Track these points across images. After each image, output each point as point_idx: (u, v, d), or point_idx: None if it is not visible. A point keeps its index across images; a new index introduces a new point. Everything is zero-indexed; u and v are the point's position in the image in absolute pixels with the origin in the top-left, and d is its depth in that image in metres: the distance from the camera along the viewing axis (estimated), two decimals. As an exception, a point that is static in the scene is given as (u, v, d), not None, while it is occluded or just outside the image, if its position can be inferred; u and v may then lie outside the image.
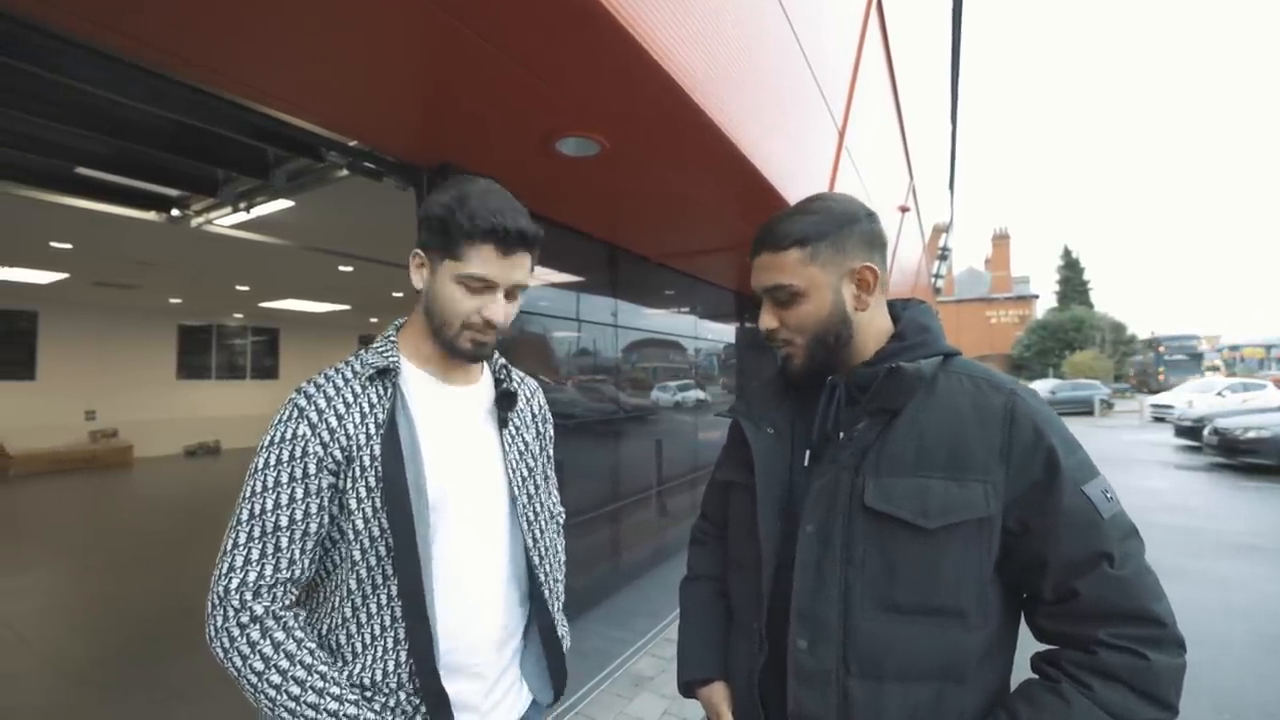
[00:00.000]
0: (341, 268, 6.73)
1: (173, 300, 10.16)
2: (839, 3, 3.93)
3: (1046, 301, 56.77)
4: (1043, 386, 25.33)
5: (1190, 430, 12.01)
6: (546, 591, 1.13)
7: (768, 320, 0.99)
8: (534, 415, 1.24)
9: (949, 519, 0.83)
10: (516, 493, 1.10)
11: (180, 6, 1.56)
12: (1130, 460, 10.98)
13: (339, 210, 4.11)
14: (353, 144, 2.54)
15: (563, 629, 1.19)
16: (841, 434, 0.94)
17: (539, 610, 1.13)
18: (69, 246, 5.96)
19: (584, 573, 4.00)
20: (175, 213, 4.12)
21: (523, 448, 1.16)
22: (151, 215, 4.13)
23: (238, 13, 1.60)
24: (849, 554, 0.87)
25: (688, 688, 1.11)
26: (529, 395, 1.25)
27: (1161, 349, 36.49)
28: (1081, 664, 0.79)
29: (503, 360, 1.21)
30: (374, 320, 12.59)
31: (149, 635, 3.61)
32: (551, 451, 1.29)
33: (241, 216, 3.95)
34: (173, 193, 3.92)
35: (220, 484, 8.90)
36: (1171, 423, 13.65)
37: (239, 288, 8.79)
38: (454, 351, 1.04)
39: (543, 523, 1.16)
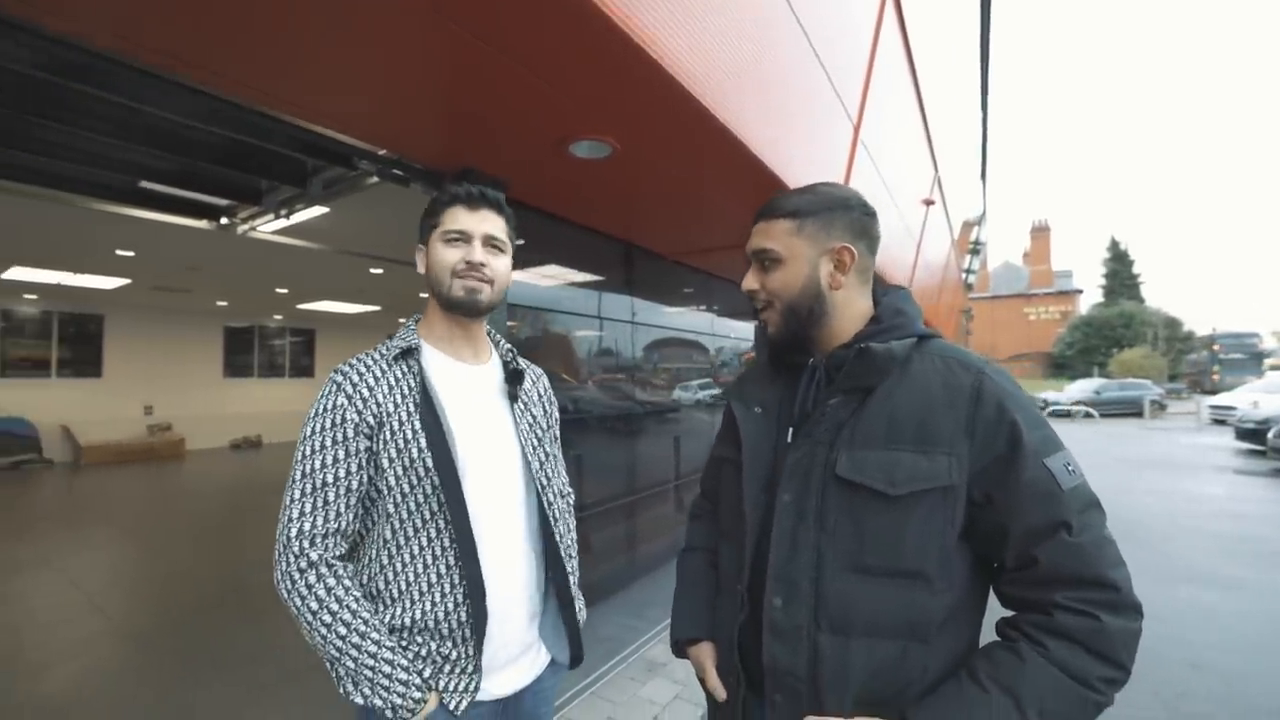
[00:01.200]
0: (372, 270, 7.04)
1: (219, 303, 10.74)
2: (852, 3, 3.99)
3: (1092, 297, 54.83)
4: (1086, 386, 24.18)
5: (1253, 433, 11.23)
6: (563, 552, 1.26)
7: (750, 281, 1.09)
8: (540, 396, 1.38)
9: (914, 487, 0.89)
10: (530, 458, 1.24)
11: (232, 37, 1.77)
12: (1183, 464, 10.39)
13: (369, 215, 4.35)
14: (382, 153, 2.74)
15: (579, 599, 1.31)
16: (815, 409, 1.02)
17: (556, 573, 1.25)
18: (132, 254, 6.41)
19: (602, 564, 4.16)
20: (224, 220, 4.44)
21: (531, 420, 1.30)
22: (203, 223, 4.46)
23: (280, 41, 1.80)
24: (822, 521, 0.94)
25: (678, 646, 1.20)
26: (534, 378, 1.39)
27: (1217, 347, 34.90)
28: (1039, 625, 0.84)
29: (509, 345, 1.37)
30: (402, 320, 13.01)
31: (205, 605, 3.94)
32: (557, 432, 1.42)
33: (282, 223, 4.24)
34: (222, 202, 4.23)
35: (262, 475, 9.39)
36: (1233, 425, 12.77)
37: (279, 290, 9.25)
38: (453, 305, 1.19)
39: (555, 488, 1.29)
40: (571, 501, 1.41)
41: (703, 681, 1.13)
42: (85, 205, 3.95)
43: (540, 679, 1.25)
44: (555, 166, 2.85)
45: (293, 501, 1.07)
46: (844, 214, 1.04)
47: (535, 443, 1.28)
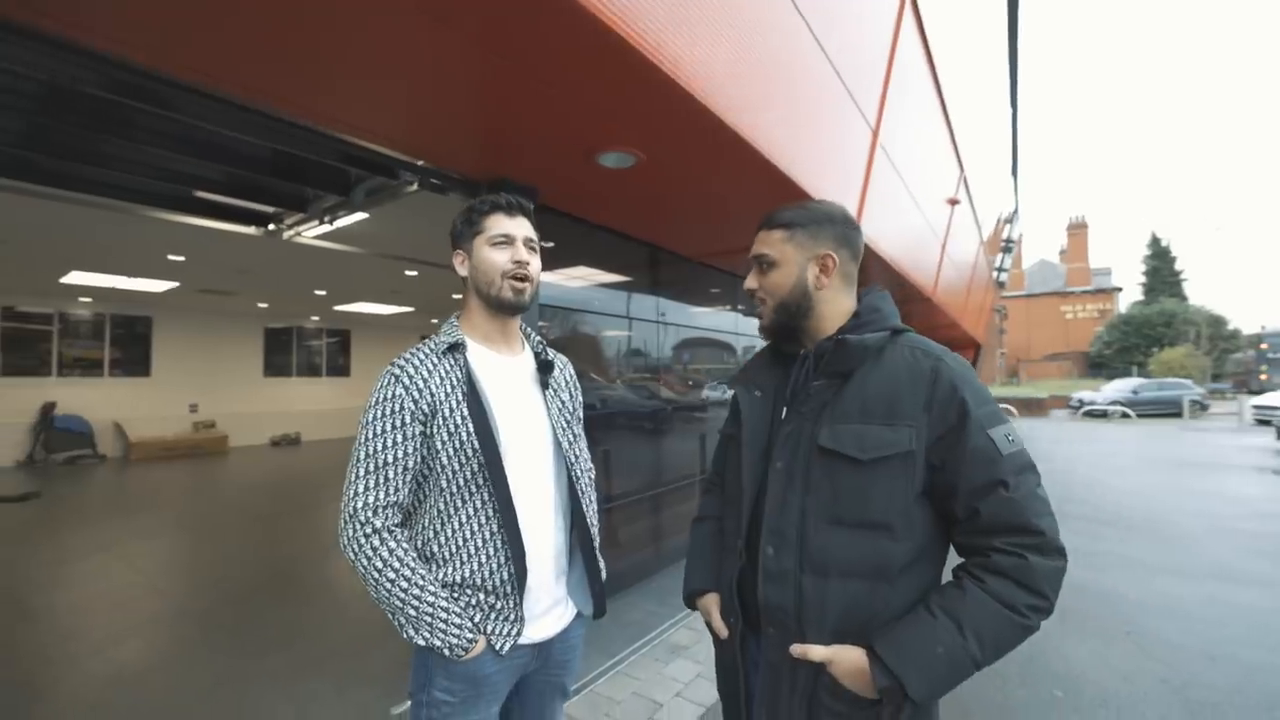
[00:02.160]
0: (407, 272, 7.29)
1: (260, 305, 11.17)
2: (867, 10, 4.08)
3: (1131, 295, 53.35)
4: (1124, 386, 23.59)
5: None
6: (588, 517, 1.44)
7: (750, 281, 1.28)
8: (566, 382, 1.55)
9: (880, 453, 1.07)
10: (559, 437, 1.41)
11: (285, 62, 1.97)
12: (1220, 465, 10.17)
13: (407, 220, 4.55)
14: (421, 163, 2.93)
15: (600, 560, 1.49)
16: (802, 392, 1.20)
17: (581, 537, 1.42)
18: (183, 258, 6.75)
19: (630, 554, 4.33)
20: (270, 227, 4.70)
21: (560, 405, 1.47)
22: (251, 229, 4.72)
23: (329, 66, 1.99)
24: (806, 483, 1.13)
25: (689, 598, 1.39)
26: (561, 366, 1.56)
27: (1264, 346, 33.66)
28: (980, 565, 1.03)
29: (539, 338, 1.54)
30: (434, 321, 13.34)
31: (253, 589, 4.21)
32: (581, 414, 1.59)
33: (325, 228, 4.47)
34: (269, 209, 4.47)
35: (301, 471, 9.75)
36: (1276, 425, 12.53)
37: (318, 292, 9.56)
38: (501, 304, 1.36)
39: (581, 464, 1.47)
40: (593, 476, 1.58)
41: (709, 625, 1.32)
42: (143, 213, 4.22)
43: (569, 629, 1.42)
44: (584, 175, 3.02)
45: (357, 478, 1.23)
46: (829, 227, 1.23)
47: (564, 424, 1.45)
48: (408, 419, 1.25)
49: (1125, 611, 3.86)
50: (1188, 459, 10.90)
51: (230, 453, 11.46)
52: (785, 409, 1.23)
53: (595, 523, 1.50)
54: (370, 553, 1.20)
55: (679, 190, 3.35)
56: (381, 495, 1.23)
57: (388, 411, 1.25)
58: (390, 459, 1.24)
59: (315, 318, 13.22)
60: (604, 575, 1.49)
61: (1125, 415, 20.80)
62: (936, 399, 1.07)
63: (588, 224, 3.80)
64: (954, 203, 7.79)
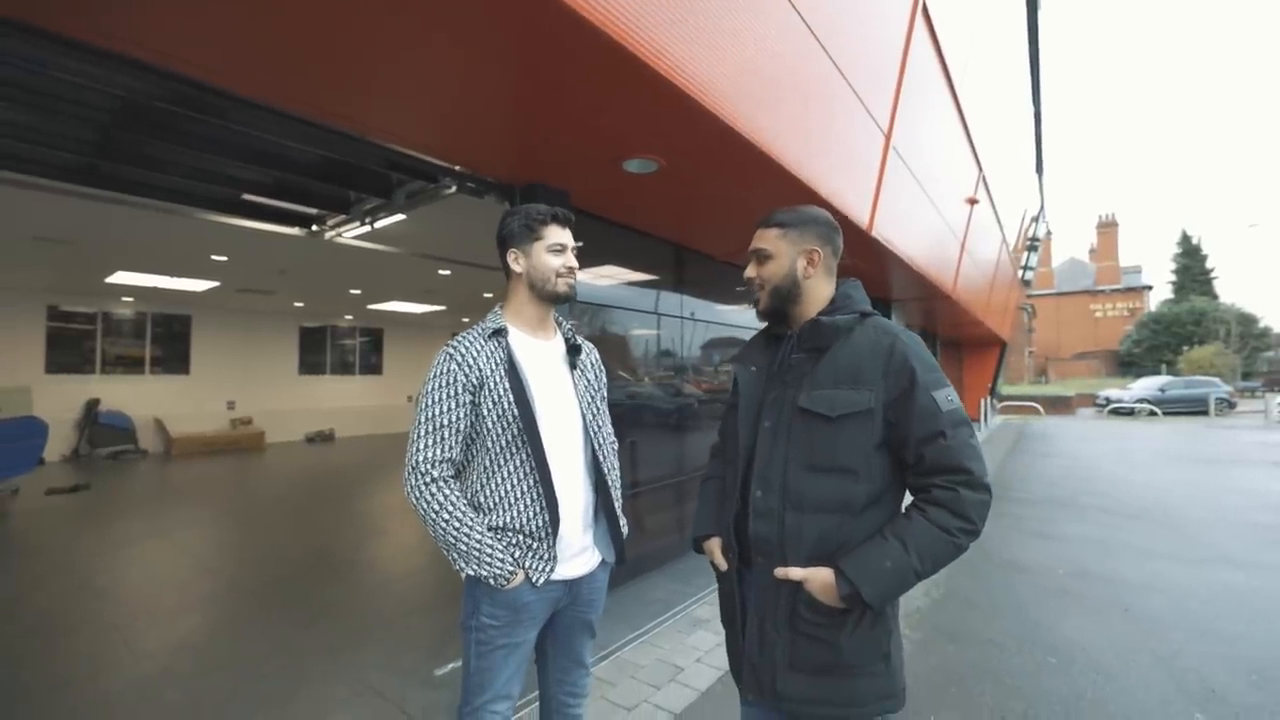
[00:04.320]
0: (441, 271, 7.53)
1: (296, 304, 11.48)
2: (876, 21, 4.21)
3: (1161, 293, 52.28)
4: (1151, 384, 23.27)
5: None
6: (610, 482, 1.69)
7: (750, 271, 1.52)
8: (592, 365, 1.81)
9: (845, 410, 1.32)
10: (585, 411, 1.67)
11: (333, 76, 2.19)
12: (1238, 460, 10.12)
13: (443, 221, 4.77)
14: (459, 169, 3.15)
15: (623, 518, 1.73)
16: (784, 364, 1.46)
17: (604, 498, 1.68)
18: (225, 259, 7.03)
19: (656, 538, 4.54)
20: (314, 228, 4.95)
21: (587, 384, 1.73)
22: (295, 230, 4.96)
23: (373, 79, 2.22)
24: (788, 437, 1.38)
25: (696, 542, 1.62)
26: (588, 351, 1.81)
27: (1294, 344, 32.89)
28: (923, 499, 1.28)
29: (570, 325, 1.78)
30: (465, 320, 13.56)
31: (297, 571, 4.48)
32: (605, 393, 1.85)
33: (366, 229, 4.72)
34: (313, 211, 4.71)
35: (336, 466, 10.03)
36: None
37: (352, 291, 9.83)
38: (556, 297, 1.63)
39: (604, 435, 1.73)
40: (615, 446, 1.82)
41: (712, 562, 1.56)
42: (194, 216, 4.45)
43: (594, 572, 1.68)
44: (611, 180, 3.23)
45: (419, 437, 1.49)
46: (814, 227, 1.49)
47: (589, 400, 1.71)
48: (460, 390, 1.50)
49: (1125, 593, 4.02)
50: (1209, 455, 10.84)
51: (267, 449, 11.70)
52: (771, 379, 1.48)
53: (617, 485, 1.75)
54: (429, 498, 1.45)
55: (698, 193, 3.55)
56: (439, 452, 1.48)
57: (444, 384, 1.50)
58: (446, 421, 1.49)
59: (349, 316, 13.49)
60: (625, 531, 1.73)
61: (1152, 413, 20.60)
62: (892, 367, 1.31)
63: (616, 225, 4.01)
64: (973, 202, 7.86)
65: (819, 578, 1.29)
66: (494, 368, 1.53)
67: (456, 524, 1.45)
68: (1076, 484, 8.08)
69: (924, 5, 4.70)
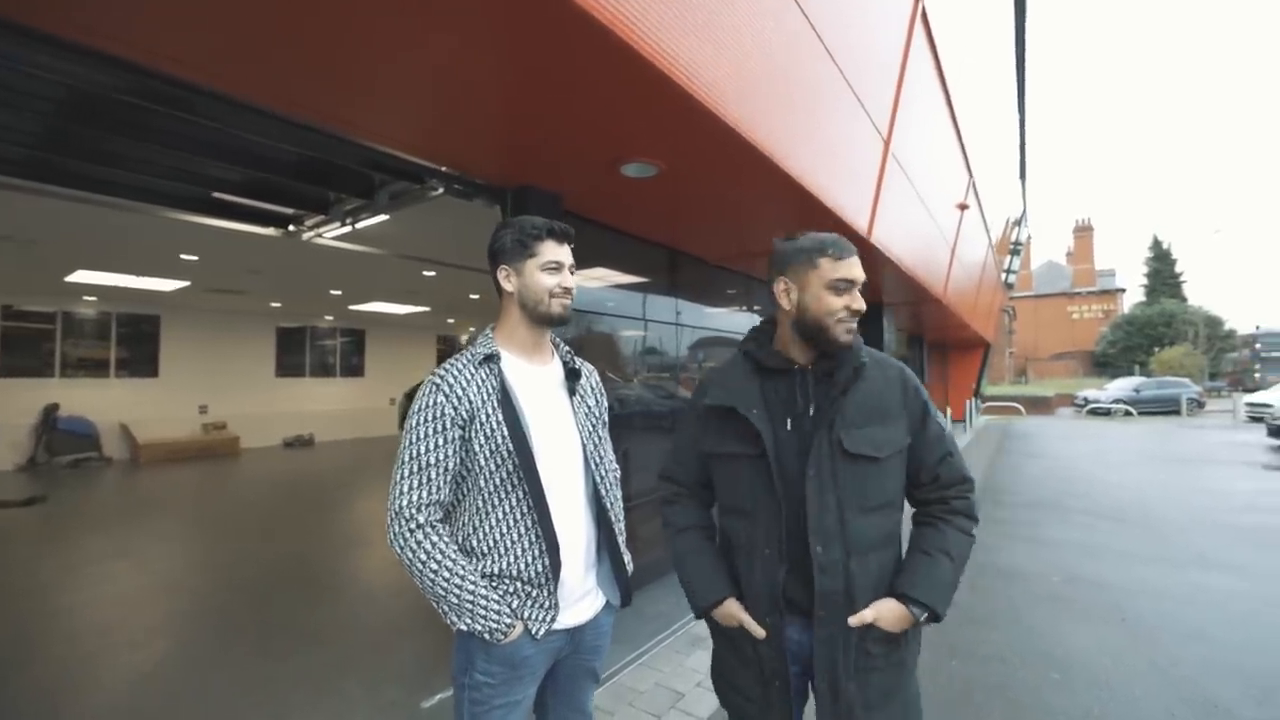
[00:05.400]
0: (425, 272, 7.30)
1: (273, 304, 11.04)
2: (879, 26, 4.12)
3: (1134, 296, 53.48)
4: (1126, 384, 23.88)
5: None
6: (612, 517, 1.54)
7: (859, 302, 1.36)
8: (592, 389, 1.65)
9: (891, 450, 1.35)
10: (585, 442, 1.52)
11: (310, 69, 2.01)
12: (1212, 460, 10.34)
13: (428, 222, 4.56)
14: (446, 170, 2.97)
15: (627, 554, 1.58)
16: (813, 405, 1.37)
17: (607, 534, 1.53)
18: (195, 258, 6.71)
19: (651, 550, 4.37)
20: (291, 228, 4.71)
21: (587, 410, 1.58)
22: (271, 231, 4.72)
23: (359, 78, 2.05)
24: (836, 482, 1.32)
25: (702, 611, 1.45)
26: (588, 374, 1.65)
27: (1258, 345, 33.75)
28: (944, 510, 1.39)
29: (567, 348, 1.62)
30: (450, 321, 13.27)
31: (273, 588, 4.26)
32: (606, 419, 1.69)
33: (346, 230, 4.50)
34: (289, 211, 4.49)
35: (315, 472, 9.71)
36: (1267, 422, 12.66)
37: (333, 292, 9.49)
38: (550, 319, 1.47)
39: (606, 465, 1.57)
40: (618, 476, 1.66)
41: (726, 633, 1.45)
42: (159, 214, 4.21)
43: (598, 616, 1.52)
44: (607, 184, 3.08)
45: (402, 478, 1.33)
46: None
47: (590, 429, 1.56)
48: (448, 424, 1.35)
49: (1116, 599, 4.06)
50: (1183, 455, 11.09)
51: (242, 454, 11.31)
52: (790, 421, 1.37)
53: (620, 519, 1.59)
54: (415, 546, 1.30)
55: (698, 198, 3.41)
56: (425, 494, 1.33)
57: (429, 418, 1.35)
58: (432, 460, 1.34)
59: (329, 317, 13.11)
60: (630, 568, 1.58)
61: (1128, 413, 21.04)
62: (909, 400, 1.39)
63: (610, 229, 3.85)
64: (963, 208, 7.84)
65: (888, 613, 1.31)
66: (485, 398, 1.38)
67: (446, 574, 1.30)
68: (1060, 485, 8.22)
69: (923, 9, 4.61)
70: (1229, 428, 16.34)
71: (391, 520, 1.32)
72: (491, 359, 1.44)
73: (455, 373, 1.39)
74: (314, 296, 10.19)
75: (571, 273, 1.51)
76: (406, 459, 1.34)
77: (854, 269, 1.36)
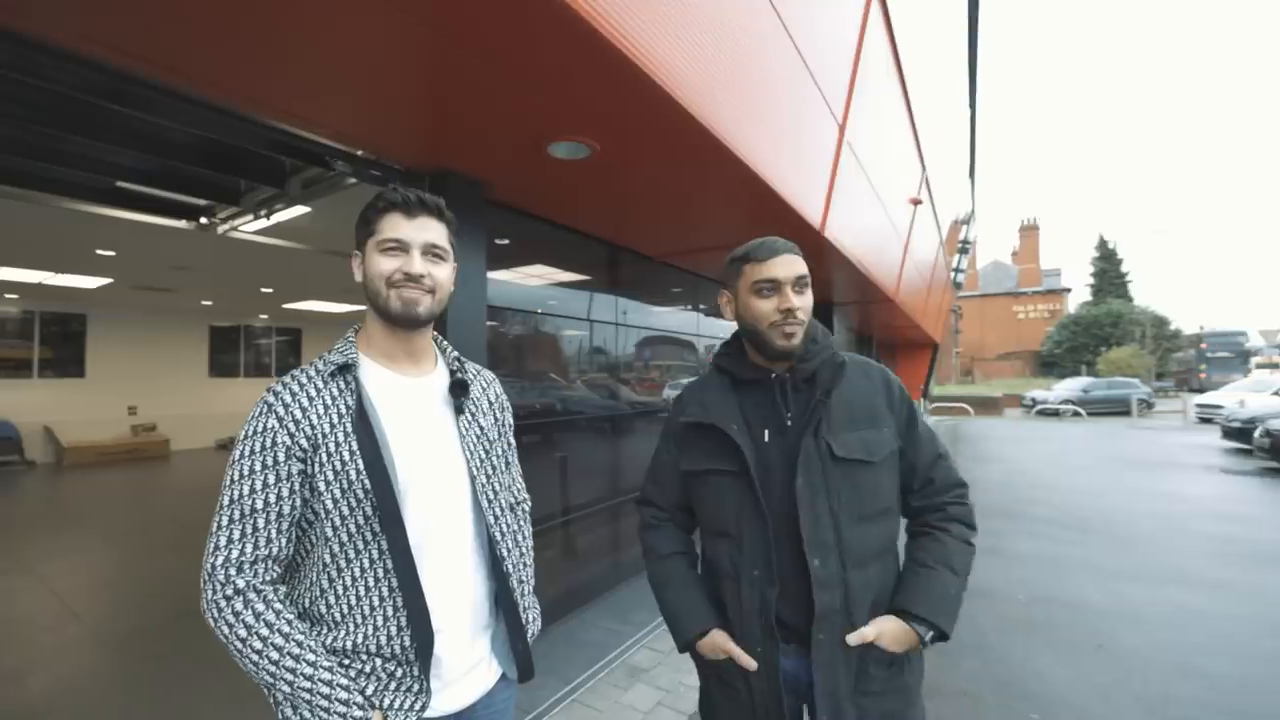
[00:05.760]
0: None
1: (204, 302, 10.63)
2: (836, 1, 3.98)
3: (1080, 296, 55.21)
4: (1074, 385, 24.33)
5: (1240, 432, 11.26)
6: (509, 568, 1.24)
7: (794, 300, 1.27)
8: (491, 404, 1.34)
9: (884, 453, 1.29)
10: (475, 473, 1.21)
11: (209, 40, 1.76)
12: (1169, 464, 10.32)
13: (352, 215, 4.25)
14: (359, 153, 2.70)
15: (530, 610, 1.30)
16: (789, 413, 1.30)
17: (503, 589, 1.23)
18: (113, 254, 6.30)
19: (586, 567, 4.15)
20: (203, 220, 4.37)
21: (479, 432, 1.26)
22: (183, 223, 4.37)
23: (257, 43, 1.78)
24: (828, 490, 1.24)
25: (686, 644, 1.35)
26: (485, 385, 1.36)
27: (1204, 345, 35.10)
28: (941, 518, 1.32)
29: (455, 353, 1.33)
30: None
31: (187, 611, 3.85)
32: (512, 439, 1.40)
33: (263, 223, 4.18)
34: (201, 202, 4.15)
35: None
36: (1219, 424, 12.77)
37: (263, 290, 9.14)
38: (390, 317, 1.15)
39: (502, 502, 1.27)
40: (526, 510, 1.40)
41: (713, 667, 1.35)
42: (59, 205, 3.86)
43: (492, 693, 1.23)
44: (535, 167, 2.83)
45: (219, 529, 1.03)
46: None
47: (483, 455, 1.25)
48: (282, 456, 1.04)
49: (1092, 621, 3.81)
50: (1139, 458, 11.15)
51: (172, 457, 10.97)
52: (767, 433, 1.30)
53: (526, 564, 1.32)
54: (232, 618, 0.99)
55: (636, 184, 3.17)
56: (249, 549, 1.02)
57: (258, 448, 1.04)
58: (259, 504, 1.03)
59: (264, 316, 12.72)
60: (533, 630, 1.30)
61: (1076, 414, 21.46)
62: (895, 401, 1.34)
63: (542, 221, 3.61)
64: (916, 203, 7.80)
65: (889, 630, 1.23)
66: (335, 421, 1.08)
67: (275, 653, 0.98)
68: (1018, 491, 8.07)
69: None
70: (1181, 429, 16.58)
71: (204, 584, 1.01)
72: (347, 369, 1.13)
73: (296, 388, 1.09)
74: (245, 295, 9.81)
75: (435, 256, 1.18)
76: (225, 504, 1.03)
77: (775, 268, 1.27)
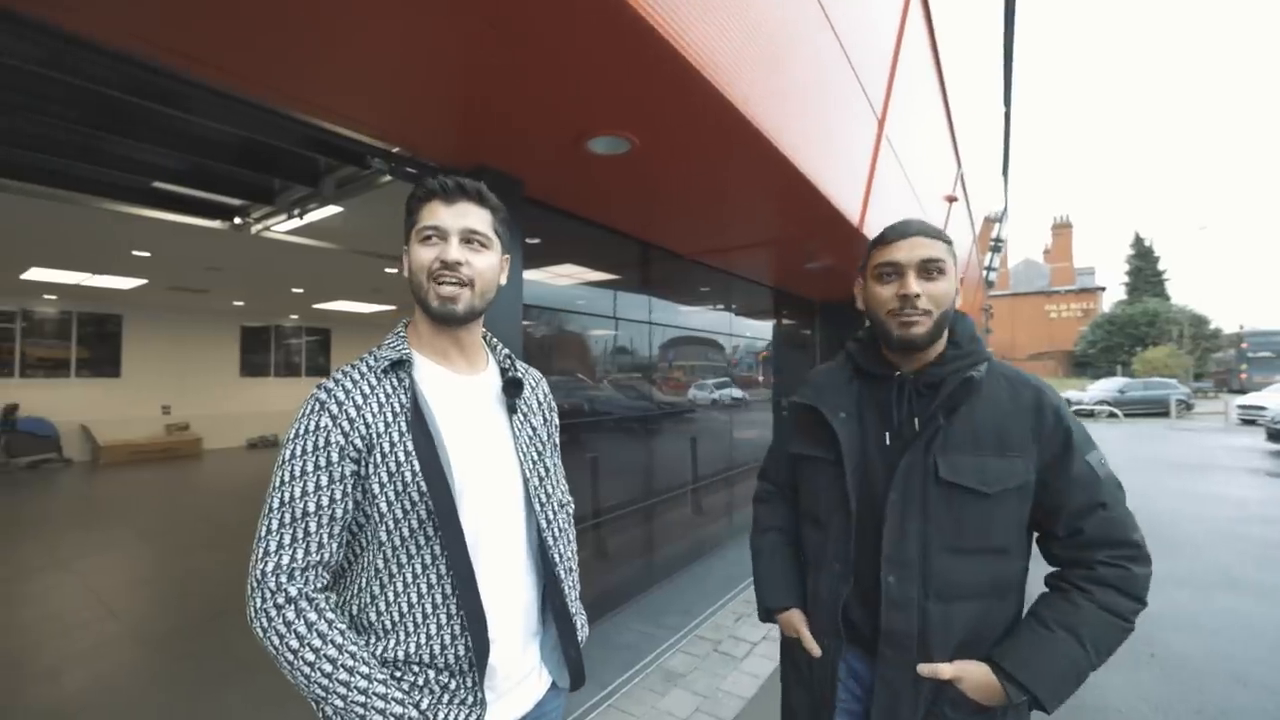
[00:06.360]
0: (387, 270, 6.99)
1: (236, 303, 10.79)
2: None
3: (1114, 294, 53.93)
4: (1110, 385, 23.63)
5: None
6: (561, 572, 1.18)
7: (914, 285, 1.17)
8: (539, 403, 1.30)
9: (1003, 486, 1.12)
10: (528, 475, 1.16)
11: (245, 35, 1.72)
12: (1214, 466, 10.10)
13: (384, 214, 4.21)
14: (395, 150, 2.66)
15: (579, 616, 1.24)
16: (916, 420, 1.19)
17: (554, 593, 1.17)
18: (148, 254, 6.40)
19: (619, 569, 4.08)
20: (237, 220, 4.39)
21: (531, 433, 1.21)
22: (217, 223, 4.41)
23: (293, 37, 1.74)
24: (924, 513, 1.15)
25: (768, 614, 1.41)
26: (533, 384, 1.31)
27: (1244, 345, 33.98)
28: (1085, 577, 1.12)
29: (506, 350, 1.28)
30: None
31: (221, 610, 3.90)
32: (557, 440, 1.34)
33: (295, 223, 4.18)
34: (235, 201, 4.17)
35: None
36: (1264, 426, 12.48)
37: (294, 290, 9.25)
38: (432, 314, 1.10)
39: (555, 505, 1.21)
40: (571, 512, 1.34)
41: (788, 644, 1.37)
42: (98, 206, 3.92)
43: (542, 703, 1.18)
44: (572, 164, 2.77)
45: (269, 533, 0.97)
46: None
47: (535, 457, 1.20)
48: (335, 457, 0.99)
49: (1144, 627, 3.63)
50: (1181, 460, 10.85)
51: (204, 456, 11.15)
52: (888, 435, 1.22)
53: (573, 569, 1.25)
54: (283, 628, 0.93)
55: (671, 180, 3.08)
56: (299, 554, 0.96)
57: (310, 447, 0.99)
58: (312, 508, 0.97)
59: (294, 316, 12.88)
60: (583, 635, 1.24)
61: (1113, 415, 20.87)
62: (1044, 429, 1.15)
63: (574, 218, 3.54)
64: (952, 200, 7.60)
65: (974, 676, 1.12)
66: (390, 420, 1.02)
67: (328, 665, 0.92)
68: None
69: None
70: (1222, 430, 16.16)
71: (252, 593, 0.95)
72: (401, 366, 1.07)
73: (349, 385, 1.03)
74: (276, 295, 9.92)
75: (476, 243, 1.11)
76: (275, 505, 0.97)
77: (898, 251, 1.18)
